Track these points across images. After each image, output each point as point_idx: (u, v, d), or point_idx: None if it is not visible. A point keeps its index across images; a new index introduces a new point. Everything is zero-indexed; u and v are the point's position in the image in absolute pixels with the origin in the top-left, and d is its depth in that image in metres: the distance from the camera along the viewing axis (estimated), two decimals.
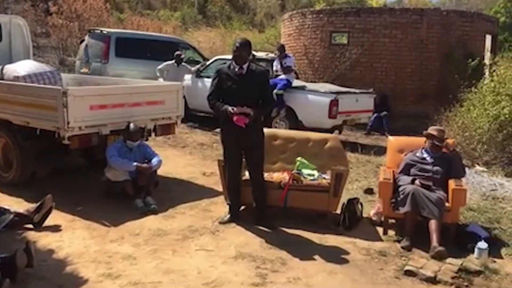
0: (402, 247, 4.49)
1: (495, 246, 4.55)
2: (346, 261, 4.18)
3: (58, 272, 3.76)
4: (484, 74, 10.61)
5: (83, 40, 12.63)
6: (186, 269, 3.86)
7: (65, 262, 3.94)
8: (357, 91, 9.86)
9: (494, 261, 4.28)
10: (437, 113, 9.50)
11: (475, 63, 11.17)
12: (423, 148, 5.11)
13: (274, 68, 9.92)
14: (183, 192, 5.98)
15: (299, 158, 5.40)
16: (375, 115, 10.99)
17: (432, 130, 5.06)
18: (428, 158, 5.01)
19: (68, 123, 5.12)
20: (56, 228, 4.64)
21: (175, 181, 6.49)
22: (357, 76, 12.35)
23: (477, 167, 7.71)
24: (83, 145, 5.50)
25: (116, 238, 4.48)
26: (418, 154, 5.10)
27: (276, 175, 5.21)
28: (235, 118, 4.52)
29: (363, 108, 9.81)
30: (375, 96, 10.20)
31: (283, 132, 6.16)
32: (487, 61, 12.28)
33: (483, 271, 3.98)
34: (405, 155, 5.21)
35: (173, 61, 10.59)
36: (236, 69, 4.74)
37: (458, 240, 4.61)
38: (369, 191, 6.15)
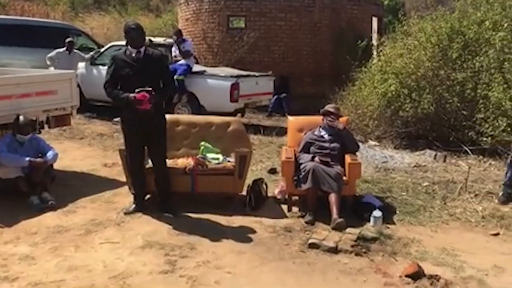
0: (306, 222, 4.70)
1: (388, 214, 4.93)
2: (253, 240, 4.28)
3: None
4: (373, 54, 11.29)
5: None
6: (90, 264, 3.71)
7: None
8: (256, 74, 10.02)
9: (388, 227, 4.63)
10: (333, 92, 9.98)
11: (364, 44, 11.84)
12: (320, 126, 5.34)
13: (173, 54, 9.76)
14: (83, 185, 5.72)
15: (203, 143, 5.40)
16: (275, 97, 11.28)
17: (328, 107, 5.31)
18: (325, 136, 5.26)
19: None
20: None
21: (74, 175, 6.17)
22: (256, 59, 12.54)
23: (370, 142, 8.25)
24: None
25: (11, 239, 4.18)
26: (316, 133, 5.33)
27: (180, 161, 5.17)
28: (138, 102, 4.36)
29: (263, 90, 10.02)
30: (274, 78, 10.45)
31: (185, 117, 6.11)
32: (374, 42, 13.07)
33: (378, 238, 4.29)
34: (305, 134, 5.43)
35: (64, 48, 9.98)
36: (133, 54, 4.58)
37: (356, 210, 4.91)
38: (272, 171, 6.32)
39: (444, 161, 6.94)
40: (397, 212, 5.03)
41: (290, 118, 5.87)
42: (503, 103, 6.75)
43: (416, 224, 4.77)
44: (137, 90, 4.39)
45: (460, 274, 3.73)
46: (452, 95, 7.62)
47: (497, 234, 4.58)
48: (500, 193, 5.34)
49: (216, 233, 4.38)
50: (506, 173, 5.32)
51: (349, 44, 12.16)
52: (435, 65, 7.88)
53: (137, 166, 4.78)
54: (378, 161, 6.79)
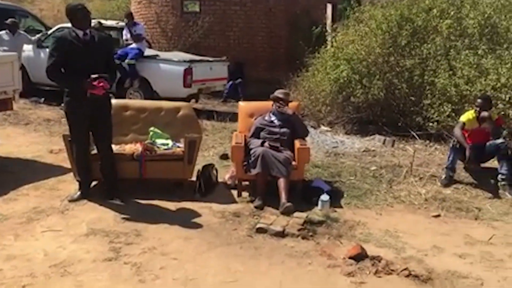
0: (255, 207, 4.72)
1: (336, 197, 5.02)
2: (201, 226, 4.26)
3: None
4: (326, 40, 11.38)
5: None
6: (30, 253, 3.60)
7: None
8: (210, 59, 9.92)
9: (335, 211, 4.72)
10: (287, 78, 10.02)
11: (318, 30, 11.92)
12: (271, 111, 5.35)
13: (124, 37, 9.53)
14: (27, 172, 5.52)
15: (152, 128, 5.31)
16: (230, 82, 11.22)
17: (278, 93, 5.32)
18: (275, 121, 5.28)
19: None
20: None
21: (18, 161, 5.95)
22: (211, 44, 12.40)
23: (322, 127, 8.35)
24: None
25: None
26: (266, 118, 5.34)
27: (128, 147, 5.06)
28: (93, 88, 4.21)
29: (217, 76, 9.92)
30: (228, 64, 10.37)
31: (134, 102, 5.99)
32: (328, 28, 13.17)
33: (325, 221, 4.37)
34: (255, 119, 5.42)
35: (7, 29, 9.53)
36: (81, 35, 4.41)
37: (305, 195, 4.97)
38: (224, 156, 6.30)
39: (393, 146, 7.12)
40: (345, 196, 5.13)
41: (240, 103, 5.85)
42: (448, 89, 6.98)
43: (362, 207, 4.88)
44: (93, 76, 4.23)
45: (401, 255, 3.85)
46: (401, 81, 7.80)
47: (438, 215, 4.75)
48: (443, 176, 5.53)
49: (163, 219, 4.34)
50: (449, 157, 5.51)
51: (304, 30, 12.22)
52: (385, 51, 8.02)
53: (82, 152, 4.64)
54: (328, 146, 6.88)
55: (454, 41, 7.51)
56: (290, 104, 5.55)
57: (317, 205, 4.76)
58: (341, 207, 4.87)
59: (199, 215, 4.50)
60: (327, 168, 5.94)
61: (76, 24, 4.40)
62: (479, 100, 5.54)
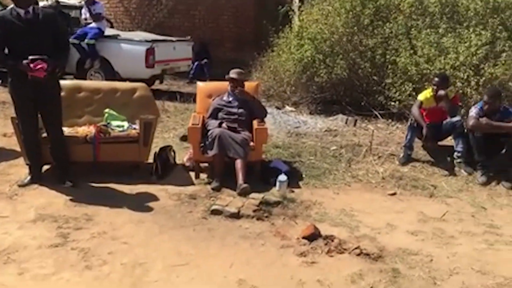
0: (212, 189, 4.66)
1: (295, 178, 5.01)
2: (155, 209, 4.19)
3: None
4: (292, 20, 11.28)
5: None
6: None
7: None
8: (173, 39, 9.71)
9: (293, 191, 4.71)
10: (252, 58, 9.92)
11: (284, 9, 11.78)
12: (228, 92, 5.27)
13: (83, 16, 9.22)
14: None
15: (107, 110, 5.17)
16: (196, 63, 11.06)
17: (232, 73, 5.23)
18: (233, 102, 5.20)
19: None
20: None
21: None
22: (176, 24, 12.19)
23: (287, 107, 8.32)
24: None
25: None
26: (224, 98, 5.26)
27: (81, 129, 4.92)
28: (31, 70, 4.03)
29: (181, 56, 9.74)
30: (193, 44, 10.19)
31: (87, 83, 5.80)
32: (296, 8, 13.05)
33: (281, 201, 4.35)
34: (213, 99, 5.33)
35: None
36: (22, 14, 4.20)
37: (263, 176, 4.94)
38: (184, 138, 6.19)
39: (355, 125, 7.13)
40: (304, 176, 5.12)
41: (199, 83, 5.74)
42: (409, 68, 7.00)
43: (320, 187, 4.89)
44: (30, 57, 4.05)
45: (354, 234, 3.87)
46: (364, 61, 7.78)
47: (394, 194, 4.80)
48: (401, 155, 5.58)
49: (117, 203, 4.24)
50: (406, 136, 5.55)
51: (271, 9, 12.07)
52: (349, 31, 7.98)
53: (30, 135, 4.48)
54: (291, 126, 6.85)
55: (415, 20, 7.51)
56: (248, 84, 5.48)
57: (275, 185, 4.73)
58: (299, 187, 4.86)
59: (154, 198, 4.42)
60: (287, 148, 5.91)
61: (16, 2, 4.19)
62: (436, 79, 5.58)
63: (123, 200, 4.34)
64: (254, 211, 4.13)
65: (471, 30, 6.87)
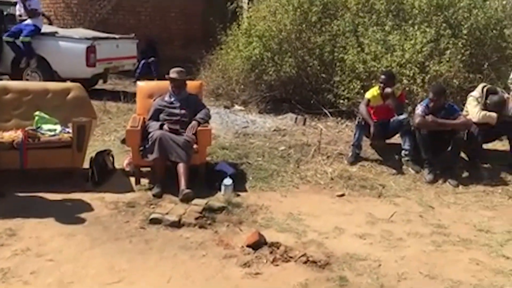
0: (153, 195, 4.39)
1: (241, 181, 4.80)
2: (88, 220, 3.88)
3: None
4: (241, 17, 11.07)
5: None
6: None
7: None
8: (116, 36, 9.27)
9: (238, 195, 4.50)
10: (200, 56, 9.64)
11: (233, 6, 11.56)
12: (170, 92, 4.99)
13: (17, 13, 8.62)
14: None
15: (37, 113, 4.80)
16: (143, 61, 10.66)
17: (172, 73, 4.96)
18: (175, 102, 4.93)
19: None
20: None
21: None
22: (121, 21, 11.71)
23: (236, 107, 8.10)
24: None
25: None
26: (166, 99, 4.98)
27: (7, 135, 4.53)
28: None
29: (125, 54, 9.33)
30: (137, 41, 9.78)
31: (15, 84, 5.33)
32: (244, 5, 12.85)
33: (226, 207, 4.14)
34: (154, 100, 5.04)
35: None
36: None
37: (208, 179, 4.71)
38: (125, 141, 5.85)
39: (304, 124, 7.01)
40: (250, 178, 4.93)
41: (139, 83, 5.43)
42: (357, 66, 6.95)
43: (267, 190, 4.71)
44: None
45: (301, 239, 3.71)
46: (312, 59, 7.67)
47: (343, 195, 4.68)
48: (349, 154, 5.48)
49: (46, 214, 3.90)
50: (355, 134, 5.46)
51: (220, 6, 11.81)
52: (297, 28, 7.86)
53: None
54: (238, 126, 6.63)
55: (362, 17, 7.47)
56: (191, 83, 5.24)
57: (220, 190, 4.52)
58: (245, 190, 4.67)
59: (88, 208, 4.10)
60: (235, 149, 5.69)
61: None
62: (382, 77, 5.52)
63: (52, 211, 3.99)
64: (197, 218, 3.89)
65: (416, 27, 6.88)
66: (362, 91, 6.75)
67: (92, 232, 3.67)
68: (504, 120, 5.21)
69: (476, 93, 5.34)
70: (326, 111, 7.26)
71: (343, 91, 7.03)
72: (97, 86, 9.42)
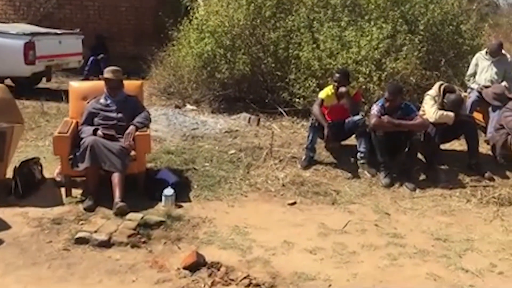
0: (85, 209, 3.95)
1: (185, 190, 4.42)
2: (6, 241, 3.40)
3: None
4: (197, 12, 10.63)
5: None
6: None
7: None
8: (59, 31, 8.70)
9: (181, 206, 4.12)
10: (151, 53, 9.17)
11: (187, 1, 11.09)
12: (105, 93, 4.53)
13: None
14: None
15: None
16: (92, 58, 10.12)
17: (107, 72, 4.50)
18: (111, 104, 4.48)
19: None
20: None
21: None
22: (68, 16, 11.10)
23: (188, 106, 7.69)
24: None
25: None
26: (101, 101, 4.52)
27: None
28: None
29: (70, 51, 8.77)
30: (83, 37, 9.20)
31: None
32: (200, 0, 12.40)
33: (164, 221, 3.74)
34: (88, 102, 4.57)
35: None
36: None
37: (148, 189, 4.29)
38: None
39: (258, 124, 6.66)
40: (195, 186, 4.54)
41: (71, 83, 4.93)
42: (312, 64, 6.65)
43: (213, 199, 4.33)
44: None
45: (246, 257, 3.36)
46: (266, 56, 7.34)
47: (294, 203, 4.36)
48: (303, 158, 5.17)
49: None
50: (308, 137, 5.16)
51: (173, 2, 11.32)
52: (250, 23, 7.49)
53: None
54: (187, 128, 6.22)
55: (318, 12, 7.18)
56: (131, 83, 4.81)
57: (161, 200, 4.11)
58: (189, 201, 4.28)
59: (5, 226, 3.61)
60: (181, 154, 5.27)
61: None
62: (336, 75, 5.22)
63: None
64: (129, 236, 3.47)
65: (372, 23, 6.65)
66: (318, 89, 6.45)
67: (6, 256, 3.20)
68: (461, 119, 5.01)
69: (433, 91, 5.12)
70: (282, 110, 6.96)
71: (299, 89, 6.74)
72: (40, 85, 8.81)
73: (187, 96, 7.97)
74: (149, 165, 4.93)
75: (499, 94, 5.47)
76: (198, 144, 5.68)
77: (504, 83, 5.83)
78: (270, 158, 5.22)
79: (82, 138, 4.24)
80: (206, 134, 6.06)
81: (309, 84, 6.63)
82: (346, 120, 5.16)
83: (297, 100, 6.75)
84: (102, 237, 3.42)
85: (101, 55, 10.40)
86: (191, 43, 7.94)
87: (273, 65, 7.27)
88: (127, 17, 11.60)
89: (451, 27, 7.01)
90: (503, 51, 6.04)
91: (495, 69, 5.91)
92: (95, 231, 3.49)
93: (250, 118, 6.81)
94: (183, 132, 6.05)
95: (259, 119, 6.78)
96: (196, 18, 8.35)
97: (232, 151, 5.41)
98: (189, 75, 7.90)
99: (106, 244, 3.39)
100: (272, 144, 5.42)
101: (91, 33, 10.39)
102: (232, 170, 4.93)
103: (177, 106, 7.66)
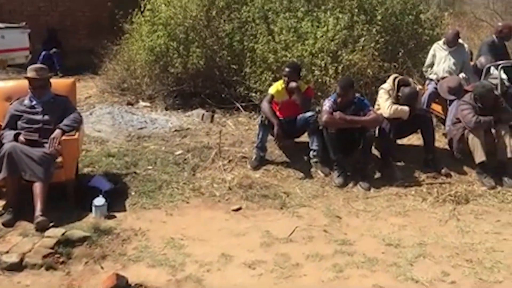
0: (3, 224, 3.55)
1: (121, 198, 4.06)
2: None
3: None
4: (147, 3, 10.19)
5: None
6: None
7: None
8: (1, 25, 8.14)
9: (114, 217, 3.77)
10: (103, 47, 8.70)
11: None
12: (30, 94, 4.12)
13: None
14: None
15: None
16: (44, 53, 9.65)
17: (30, 71, 4.07)
18: (36, 106, 4.07)
19: None
20: None
21: None
22: (17, 8, 10.45)
23: (141, 103, 7.29)
24: None
25: None
26: (26, 102, 4.10)
27: None
28: None
29: (14, 46, 8.30)
30: (29, 31, 8.67)
31: None
32: None
33: (89, 236, 3.37)
34: (11, 104, 4.15)
35: None
36: None
37: (78, 199, 3.91)
38: None
39: (212, 121, 6.33)
40: (133, 193, 4.18)
41: None
42: (267, 56, 6.32)
43: (151, 208, 3.98)
44: None
45: (177, 275, 3.04)
46: (221, 48, 6.98)
47: (239, 209, 4.04)
48: (253, 157, 4.86)
49: None
50: (258, 135, 4.84)
51: None
52: (204, 15, 7.11)
53: None
54: (134, 127, 5.84)
55: (273, 2, 6.84)
56: (62, 82, 4.42)
57: (91, 211, 3.75)
58: (124, 210, 3.92)
59: None
60: (123, 156, 4.90)
61: None
62: (286, 69, 4.91)
63: None
64: (45, 256, 3.10)
65: (329, 13, 6.34)
66: (274, 83, 6.15)
67: None
68: (417, 113, 4.77)
69: (387, 85, 4.86)
70: (239, 106, 6.63)
71: (255, 83, 6.43)
72: None
73: (140, 92, 7.56)
74: (86, 170, 4.57)
75: (453, 88, 5.24)
76: (143, 144, 5.32)
77: (462, 75, 5.61)
78: (219, 159, 4.89)
79: (3, 144, 3.84)
80: (153, 134, 5.69)
81: (265, 78, 6.32)
82: (298, 117, 4.86)
83: (253, 94, 6.45)
84: (13, 259, 3.04)
85: (54, 50, 9.91)
86: (142, 36, 7.52)
87: (228, 58, 6.92)
88: (82, 9, 11.05)
89: (410, 16, 6.75)
90: (460, 41, 5.83)
91: (452, 60, 5.69)
92: (7, 252, 3.11)
93: (203, 115, 6.46)
94: (128, 132, 5.67)
95: (213, 116, 6.44)
96: (148, 9, 7.92)
97: (179, 152, 5.06)
98: (142, 70, 7.50)
99: (17, 267, 3.01)
100: (221, 143, 5.08)
101: (43, 26, 9.86)
102: (176, 173, 4.59)
103: (129, 103, 7.26)
